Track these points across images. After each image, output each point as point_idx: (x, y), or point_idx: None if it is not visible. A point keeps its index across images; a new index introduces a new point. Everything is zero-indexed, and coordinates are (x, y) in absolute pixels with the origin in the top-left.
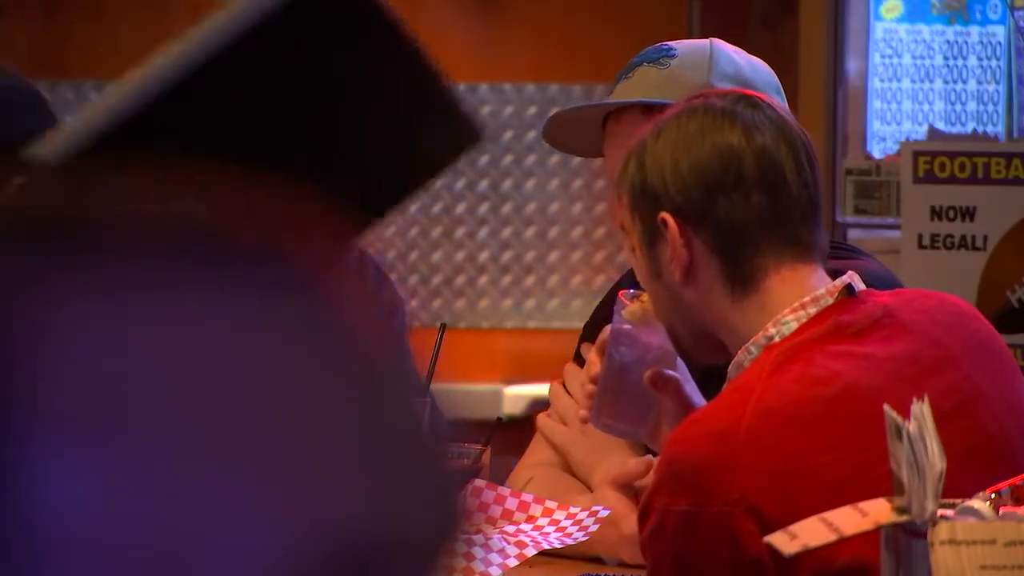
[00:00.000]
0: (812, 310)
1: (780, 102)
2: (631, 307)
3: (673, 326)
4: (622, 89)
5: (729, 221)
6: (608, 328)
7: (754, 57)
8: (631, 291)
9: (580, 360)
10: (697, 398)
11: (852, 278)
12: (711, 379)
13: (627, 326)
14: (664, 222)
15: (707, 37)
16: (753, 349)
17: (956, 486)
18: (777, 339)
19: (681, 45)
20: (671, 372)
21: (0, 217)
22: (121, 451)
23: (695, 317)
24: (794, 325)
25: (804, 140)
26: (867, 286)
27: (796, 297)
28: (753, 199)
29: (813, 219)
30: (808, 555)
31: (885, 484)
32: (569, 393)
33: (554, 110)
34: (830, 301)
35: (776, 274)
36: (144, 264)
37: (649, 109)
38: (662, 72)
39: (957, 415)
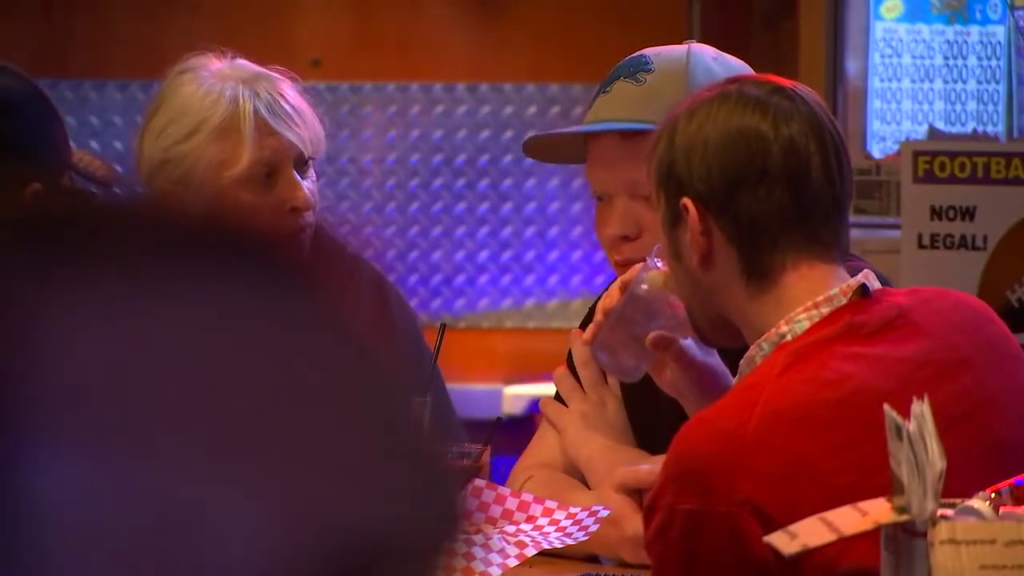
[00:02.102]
0: (825, 310)
1: (816, 95)
2: (654, 274)
3: (691, 306)
4: (601, 104)
5: (750, 215)
6: (636, 267)
7: (738, 62)
8: (656, 252)
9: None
10: (709, 358)
11: (867, 277)
12: (726, 359)
13: (644, 287)
14: (685, 207)
15: (708, 37)
16: (765, 346)
17: (966, 492)
18: (789, 338)
19: (659, 57)
20: (674, 336)
21: (15, 223)
22: (122, 451)
23: (712, 301)
24: (806, 324)
25: (836, 136)
26: None
27: (812, 295)
28: (776, 194)
29: (836, 217)
30: (811, 560)
31: (891, 490)
32: (574, 373)
33: (530, 134)
34: (843, 301)
35: (794, 270)
36: (147, 267)
37: (625, 134)
38: (639, 88)
39: (968, 420)
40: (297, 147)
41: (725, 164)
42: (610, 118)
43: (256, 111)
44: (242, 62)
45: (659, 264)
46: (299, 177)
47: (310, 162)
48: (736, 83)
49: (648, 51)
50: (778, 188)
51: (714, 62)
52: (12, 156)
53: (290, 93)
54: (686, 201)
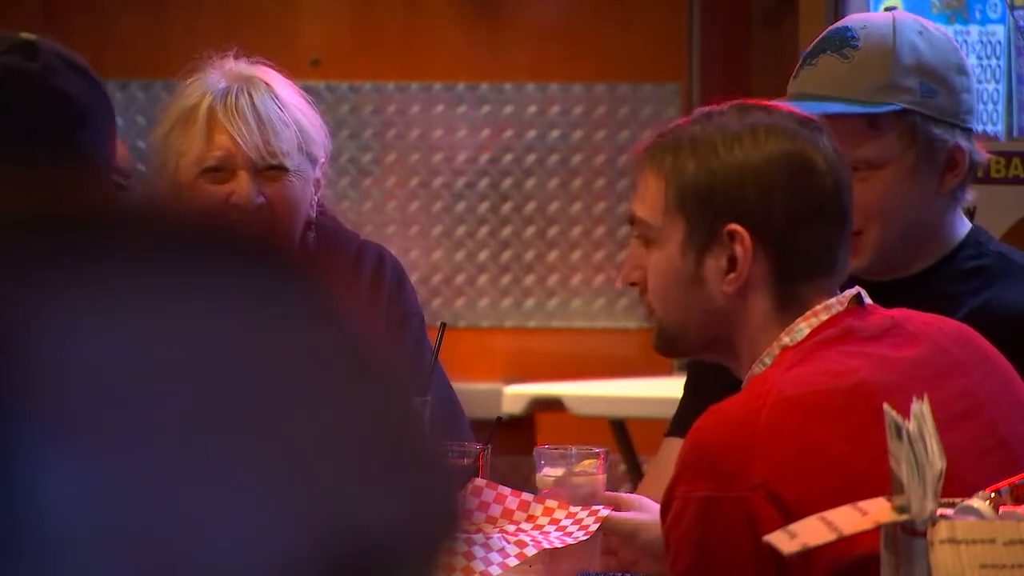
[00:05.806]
0: (824, 316)
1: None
2: (543, 479)
3: (687, 325)
4: (807, 77)
5: (803, 249)
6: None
7: (935, 32)
8: (544, 469)
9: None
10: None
11: (860, 290)
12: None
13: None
14: (732, 234)
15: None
16: (767, 360)
17: (971, 487)
18: (790, 344)
19: (864, 29)
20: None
21: (10, 216)
22: (123, 452)
23: (718, 323)
24: (806, 331)
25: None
26: None
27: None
28: (827, 230)
29: (847, 243)
30: (823, 545)
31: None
32: None
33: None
34: (840, 308)
35: (814, 300)
36: (150, 266)
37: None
38: (845, 65)
39: (970, 417)
40: (244, 151)
41: (788, 199)
42: (816, 93)
43: (213, 105)
44: (246, 63)
45: (547, 473)
46: (250, 179)
47: (288, 170)
48: (760, 111)
49: (852, 22)
50: (830, 224)
51: (919, 35)
52: (76, 165)
53: (271, 102)
54: (737, 228)
